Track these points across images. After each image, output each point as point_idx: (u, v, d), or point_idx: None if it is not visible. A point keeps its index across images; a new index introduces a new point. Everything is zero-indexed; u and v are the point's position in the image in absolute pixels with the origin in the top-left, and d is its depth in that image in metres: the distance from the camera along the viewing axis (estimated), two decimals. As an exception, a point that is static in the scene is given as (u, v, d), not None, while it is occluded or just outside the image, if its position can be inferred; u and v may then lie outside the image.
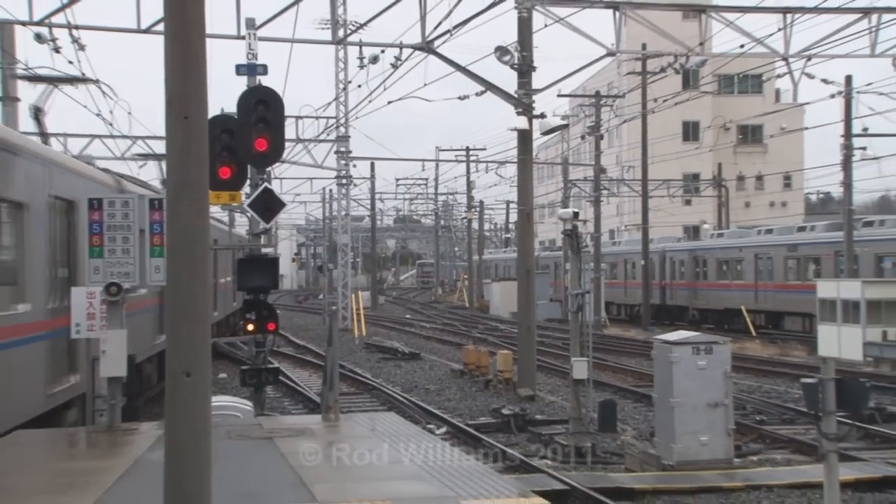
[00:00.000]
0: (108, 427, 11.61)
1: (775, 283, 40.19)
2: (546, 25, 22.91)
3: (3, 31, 22.29)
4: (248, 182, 15.42)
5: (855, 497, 12.14)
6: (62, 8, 19.25)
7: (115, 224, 11.60)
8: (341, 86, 39.15)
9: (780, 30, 22.83)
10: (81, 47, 21.87)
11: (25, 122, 24.32)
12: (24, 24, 19.51)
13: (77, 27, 20.48)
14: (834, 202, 68.70)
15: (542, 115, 23.14)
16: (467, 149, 68.52)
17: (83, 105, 25.55)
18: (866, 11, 22.57)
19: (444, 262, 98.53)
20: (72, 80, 22.18)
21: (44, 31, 20.27)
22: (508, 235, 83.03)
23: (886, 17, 22.53)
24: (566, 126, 26.66)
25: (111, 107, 33.74)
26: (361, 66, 29.21)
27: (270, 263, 15.78)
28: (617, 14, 22.92)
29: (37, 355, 11.88)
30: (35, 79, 20.75)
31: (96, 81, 23.01)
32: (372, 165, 64.54)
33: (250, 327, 15.32)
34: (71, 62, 21.15)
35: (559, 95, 42.58)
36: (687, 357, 13.77)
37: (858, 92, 34.87)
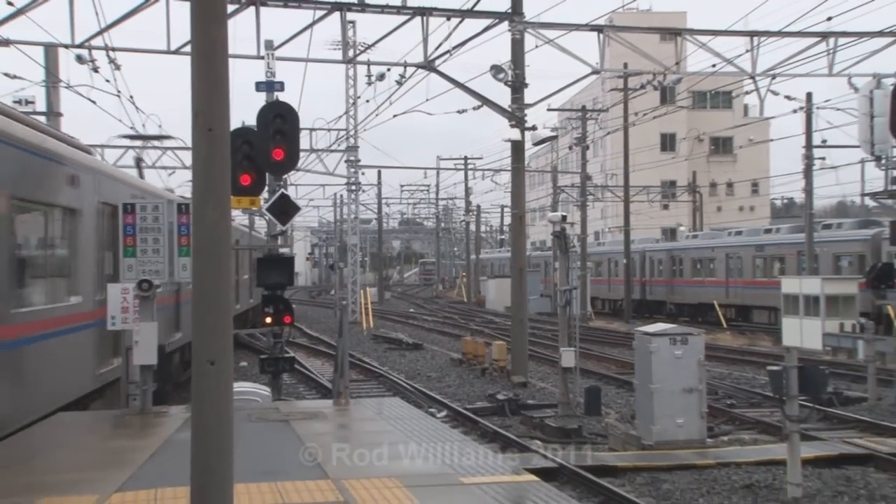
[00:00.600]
0: (140, 410, 11.61)
1: (744, 280, 40.21)
2: (537, 46, 22.87)
3: (48, 53, 22.77)
4: (266, 188, 15.43)
5: (815, 473, 12.13)
6: (100, 32, 19.30)
7: (146, 226, 11.61)
8: (351, 101, 39.11)
9: (747, 51, 22.86)
10: (117, 67, 22.05)
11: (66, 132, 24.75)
12: (66, 46, 19.60)
13: (114, 49, 20.58)
14: (796, 207, 68.64)
15: (534, 128, 23.11)
16: (465, 158, 68.61)
17: (118, 119, 25.69)
18: (824, 35, 22.63)
19: (445, 261, 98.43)
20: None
21: (84, 52, 20.40)
22: (503, 237, 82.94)
23: (842, 40, 22.61)
24: (555, 137, 26.65)
25: (143, 120, 34.16)
26: (369, 83, 29.18)
27: (287, 262, 15.76)
28: (601, 36, 22.91)
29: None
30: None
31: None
32: (379, 173, 64.61)
33: (269, 320, 15.31)
34: (108, 80, 21.29)
35: (549, 109, 42.86)
36: (665, 347, 13.77)
37: (818, 107, 35.11)
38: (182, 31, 16.66)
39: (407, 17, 21.28)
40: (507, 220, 64.74)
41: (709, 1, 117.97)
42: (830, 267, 34.38)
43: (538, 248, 68.40)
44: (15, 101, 25.45)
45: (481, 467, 8.30)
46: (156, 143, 28.06)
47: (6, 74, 24.81)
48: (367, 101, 39.25)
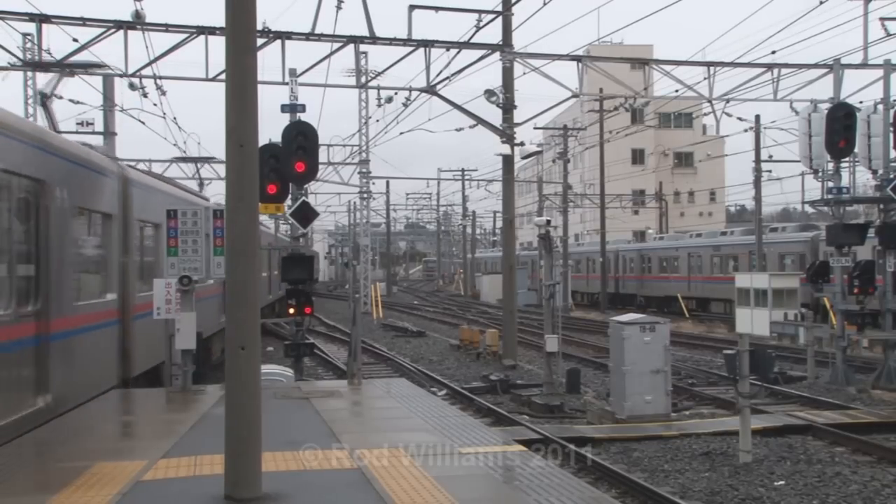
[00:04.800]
0: (181, 388, 11.60)
1: (704, 276, 40.18)
2: (524, 73, 22.84)
3: (106, 81, 23.11)
4: (289, 196, 15.42)
5: (763, 441, 12.16)
6: (149, 63, 19.51)
7: (186, 230, 11.59)
8: (363, 120, 39.06)
9: (705, 79, 22.88)
10: (163, 93, 22.35)
11: (121, 151, 24.99)
12: (121, 75, 19.80)
13: (160, 77, 20.85)
14: (748, 213, 68.60)
15: (522, 144, 23.07)
16: (462, 170, 68.56)
17: (164, 137, 25.86)
18: (770, 66, 22.80)
19: (444, 260, 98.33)
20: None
21: (136, 81, 20.65)
22: (495, 238, 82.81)
23: (785, 70, 22.86)
24: (540, 152, 26.52)
25: (185, 137, 34.53)
26: (379, 105, 29.11)
27: (308, 260, 15.74)
28: (580, 65, 22.89)
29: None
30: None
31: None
32: (387, 183, 64.84)
33: (291, 311, 15.30)
34: (155, 104, 21.51)
35: (535, 128, 42.94)
36: (635, 334, 13.76)
37: (765, 128, 35.24)
38: (218, 61, 16.69)
39: (412, 49, 21.25)
40: (499, 223, 64.75)
41: (672, 35, 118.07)
42: (776, 264, 34.37)
43: (526, 248, 68.24)
44: (77, 123, 25.65)
45: (476, 439, 8.29)
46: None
47: (70, 100, 25.04)
48: (378, 120, 39.27)
